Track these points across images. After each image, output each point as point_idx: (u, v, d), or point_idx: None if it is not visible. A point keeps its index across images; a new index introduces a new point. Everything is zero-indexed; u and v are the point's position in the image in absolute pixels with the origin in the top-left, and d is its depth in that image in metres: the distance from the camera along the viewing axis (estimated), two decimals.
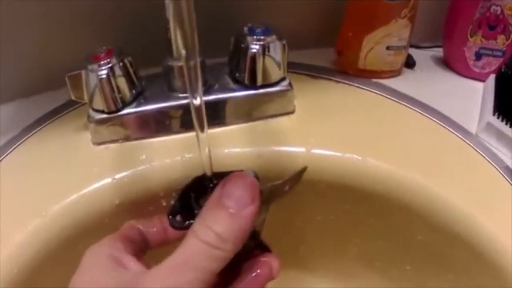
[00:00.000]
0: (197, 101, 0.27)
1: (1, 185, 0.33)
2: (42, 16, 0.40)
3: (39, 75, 0.43)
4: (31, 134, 0.38)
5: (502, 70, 0.46)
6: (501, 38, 0.46)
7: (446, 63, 0.50)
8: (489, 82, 0.46)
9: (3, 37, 0.40)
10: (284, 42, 0.35)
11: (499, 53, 0.47)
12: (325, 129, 0.38)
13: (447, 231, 0.33)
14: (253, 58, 0.34)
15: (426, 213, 0.34)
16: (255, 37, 0.34)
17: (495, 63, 0.47)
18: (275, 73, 0.36)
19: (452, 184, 0.34)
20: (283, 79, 0.37)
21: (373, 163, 0.35)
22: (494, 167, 0.36)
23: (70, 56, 0.39)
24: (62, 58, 0.41)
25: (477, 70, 0.48)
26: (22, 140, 0.38)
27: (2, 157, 0.36)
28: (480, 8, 0.45)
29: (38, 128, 0.39)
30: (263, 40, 0.34)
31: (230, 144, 0.35)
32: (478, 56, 0.48)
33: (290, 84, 0.38)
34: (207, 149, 0.29)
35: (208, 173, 0.28)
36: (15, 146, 0.37)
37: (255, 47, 0.34)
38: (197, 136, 0.28)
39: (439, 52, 0.51)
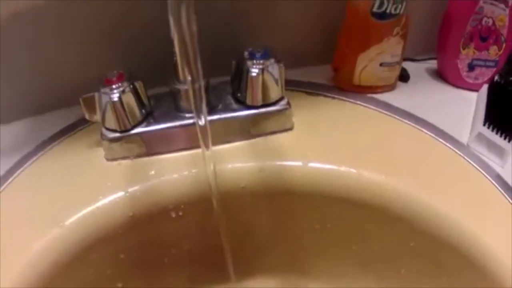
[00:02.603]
0: (202, 122, 0.29)
1: (20, 197, 0.35)
2: (61, 40, 0.42)
3: (53, 93, 0.45)
4: (46, 149, 0.40)
5: (495, 79, 0.46)
6: (493, 49, 0.47)
7: (440, 75, 0.51)
8: (482, 92, 0.46)
9: (20, 56, 0.41)
10: (281, 64, 0.36)
11: (492, 63, 0.47)
12: (321, 144, 0.39)
13: (439, 239, 0.34)
14: (253, 80, 0.36)
15: (419, 222, 0.35)
16: (254, 61, 0.36)
17: (488, 73, 0.48)
18: (274, 93, 0.38)
19: (443, 194, 0.35)
20: (281, 98, 0.39)
21: (367, 175, 0.36)
22: (485, 176, 0.37)
23: (83, 75, 0.40)
24: (75, 77, 0.42)
25: (470, 80, 0.49)
26: (38, 155, 0.39)
27: (20, 171, 0.37)
28: (472, 21, 0.45)
29: (53, 144, 0.40)
30: (262, 64, 0.36)
31: (233, 160, 0.37)
32: (471, 68, 0.48)
33: (288, 103, 0.39)
34: (212, 165, 0.31)
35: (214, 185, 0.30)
36: (31, 160, 0.39)
37: (255, 71, 0.36)
38: (203, 153, 0.30)
39: (434, 64, 0.52)
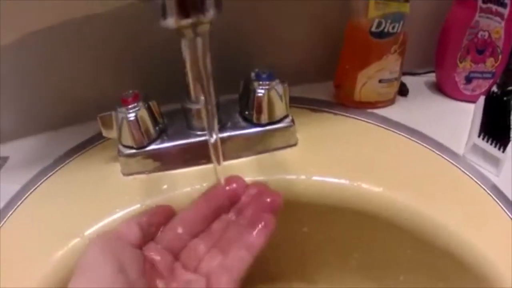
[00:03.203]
0: (213, 139, 0.31)
1: (40, 209, 0.36)
2: (74, 58, 0.43)
3: (68, 109, 0.46)
4: (63, 164, 0.41)
5: (492, 90, 0.46)
6: (490, 61, 0.48)
7: (439, 88, 0.52)
8: (479, 103, 0.46)
9: (35, 73, 0.43)
10: (286, 85, 0.38)
11: (488, 75, 0.49)
12: (324, 158, 0.40)
13: (436, 247, 0.35)
14: (259, 100, 0.38)
15: (417, 231, 0.36)
16: (261, 82, 0.38)
17: (486, 84, 0.49)
18: (279, 111, 0.39)
19: (440, 204, 0.36)
20: (286, 116, 0.40)
21: (366, 188, 0.37)
22: (481, 186, 0.38)
23: (97, 92, 0.43)
24: (89, 94, 0.44)
25: (468, 93, 0.50)
26: (56, 169, 0.41)
27: (39, 184, 0.39)
28: (468, 35, 0.47)
29: (70, 159, 0.42)
30: (268, 84, 0.37)
31: (241, 174, 0.36)
32: (469, 80, 0.49)
33: (292, 120, 0.40)
34: (222, 179, 0.33)
35: None
36: (49, 175, 0.40)
37: (261, 92, 0.37)
38: (215, 167, 0.32)
39: (433, 77, 0.53)
